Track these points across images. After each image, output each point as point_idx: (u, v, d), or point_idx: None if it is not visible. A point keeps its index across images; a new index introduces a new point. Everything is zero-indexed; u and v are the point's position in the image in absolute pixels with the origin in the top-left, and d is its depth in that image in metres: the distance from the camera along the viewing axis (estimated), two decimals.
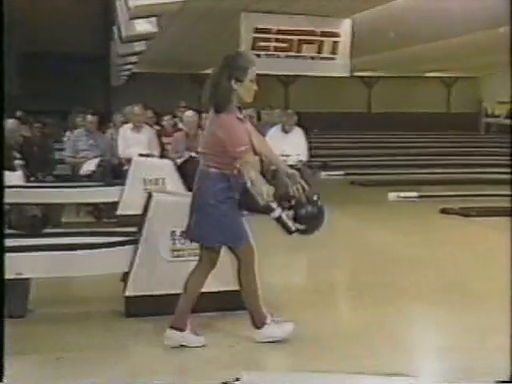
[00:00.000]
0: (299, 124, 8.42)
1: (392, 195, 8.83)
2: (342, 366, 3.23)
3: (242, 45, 11.44)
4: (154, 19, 9.29)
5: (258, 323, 3.47)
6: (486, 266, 5.20)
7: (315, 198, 3.42)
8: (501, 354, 3.31)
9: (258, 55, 11.71)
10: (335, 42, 12.17)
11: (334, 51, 12.13)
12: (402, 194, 8.83)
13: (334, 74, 12.51)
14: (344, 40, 12.25)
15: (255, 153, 3.44)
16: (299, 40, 11.82)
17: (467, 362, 3.27)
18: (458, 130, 26.03)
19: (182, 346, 3.42)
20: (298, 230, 3.37)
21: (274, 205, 3.28)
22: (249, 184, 3.30)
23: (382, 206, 8.54)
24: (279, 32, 11.67)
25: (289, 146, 7.86)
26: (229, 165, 3.32)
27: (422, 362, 3.48)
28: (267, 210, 3.29)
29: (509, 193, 8.88)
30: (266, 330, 3.47)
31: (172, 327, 3.44)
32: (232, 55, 3.45)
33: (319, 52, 12.07)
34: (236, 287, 3.57)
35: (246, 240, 3.45)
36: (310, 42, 11.93)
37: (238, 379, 2.89)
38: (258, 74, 3.43)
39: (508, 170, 12.31)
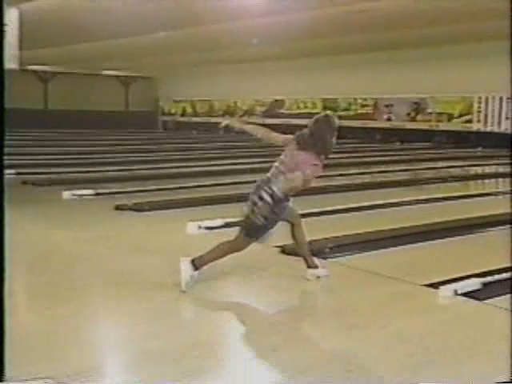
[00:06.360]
0: None
1: (66, 194, 8.57)
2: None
3: None
4: None
5: (311, 265, 4.72)
6: (155, 257, 5.35)
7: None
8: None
9: None
10: (1, 32, 11.36)
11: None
12: (78, 192, 8.62)
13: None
14: (11, 30, 11.49)
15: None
16: None
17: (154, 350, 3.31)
18: (137, 128, 26.76)
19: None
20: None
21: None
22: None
23: (57, 205, 8.26)
24: None
25: None
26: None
27: (102, 358, 3.38)
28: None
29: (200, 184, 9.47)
30: (316, 270, 4.71)
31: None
32: (332, 117, 4.55)
33: None
34: None
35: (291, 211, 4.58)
36: None
37: None
38: None
39: (194, 164, 13.11)
